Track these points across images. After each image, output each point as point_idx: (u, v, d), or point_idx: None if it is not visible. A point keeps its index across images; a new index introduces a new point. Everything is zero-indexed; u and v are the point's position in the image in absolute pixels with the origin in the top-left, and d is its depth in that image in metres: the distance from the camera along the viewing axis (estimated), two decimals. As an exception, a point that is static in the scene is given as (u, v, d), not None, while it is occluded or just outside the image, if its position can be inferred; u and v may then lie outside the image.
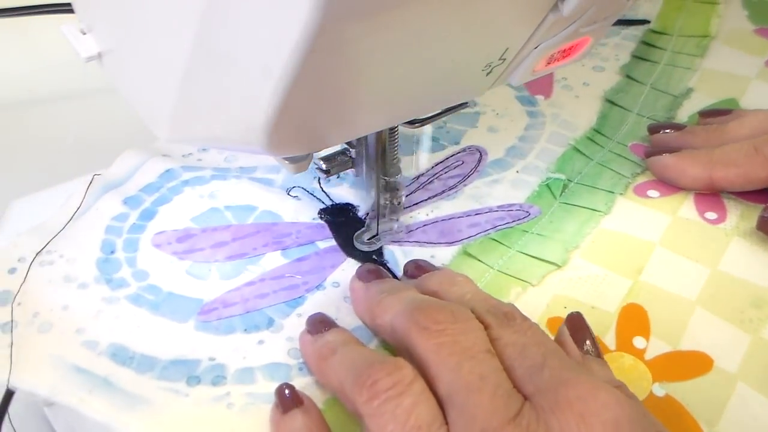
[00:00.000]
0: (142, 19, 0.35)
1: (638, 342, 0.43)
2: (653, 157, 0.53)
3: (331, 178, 0.52)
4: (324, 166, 0.46)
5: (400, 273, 0.47)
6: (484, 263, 0.47)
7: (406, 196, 0.51)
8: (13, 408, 0.46)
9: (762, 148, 0.48)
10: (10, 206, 0.51)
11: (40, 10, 0.56)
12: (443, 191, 0.52)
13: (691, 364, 0.43)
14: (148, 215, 0.50)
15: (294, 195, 0.51)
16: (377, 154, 0.46)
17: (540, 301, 0.45)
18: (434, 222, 0.50)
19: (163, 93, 0.37)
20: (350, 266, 0.47)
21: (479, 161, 0.54)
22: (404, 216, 0.50)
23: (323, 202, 0.51)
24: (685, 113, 0.59)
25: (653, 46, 0.65)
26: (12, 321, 0.43)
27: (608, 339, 0.43)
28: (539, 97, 0.60)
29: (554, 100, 0.60)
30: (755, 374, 0.42)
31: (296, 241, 0.48)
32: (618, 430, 0.33)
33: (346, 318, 0.44)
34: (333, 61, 0.30)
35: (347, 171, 0.48)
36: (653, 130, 0.55)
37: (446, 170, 0.53)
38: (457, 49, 0.35)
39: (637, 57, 0.64)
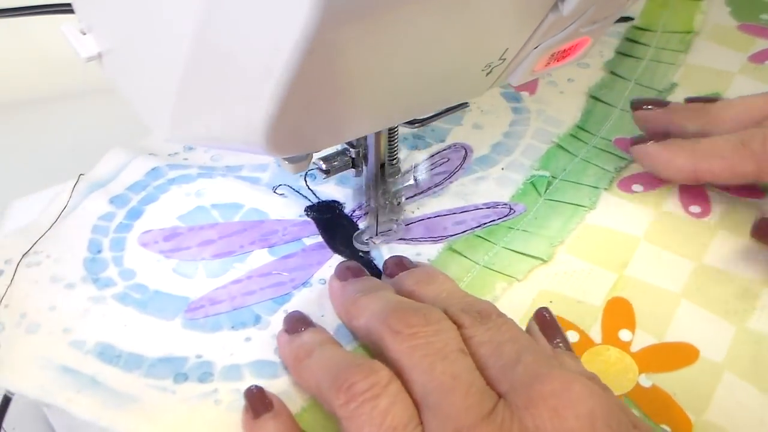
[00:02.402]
0: (142, 19, 0.35)
1: (624, 335, 0.44)
2: (638, 145, 0.52)
3: (317, 174, 0.52)
4: (324, 166, 0.46)
5: (386, 269, 0.47)
6: (469, 259, 0.48)
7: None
8: (13, 408, 0.46)
9: (749, 142, 0.47)
10: (10, 206, 0.51)
11: (40, 10, 0.56)
12: (429, 188, 0.52)
13: (677, 355, 0.43)
14: (135, 214, 0.50)
15: (280, 193, 0.52)
16: (377, 154, 0.46)
17: (526, 296, 0.46)
18: (420, 219, 0.50)
19: (163, 93, 0.37)
20: (336, 263, 0.47)
21: (464, 158, 0.55)
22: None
23: (309, 200, 0.51)
24: (669, 108, 0.59)
25: (637, 42, 0.66)
26: (7, 323, 0.43)
27: (594, 332, 0.44)
28: (524, 94, 0.61)
29: (539, 97, 0.60)
30: (741, 364, 0.42)
31: (282, 239, 0.49)
32: (593, 423, 0.33)
33: (332, 316, 0.45)
34: (333, 61, 0.30)
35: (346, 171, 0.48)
36: (636, 106, 0.54)
37: (432, 167, 0.54)
38: (456, 49, 0.35)
39: (621, 53, 0.65)
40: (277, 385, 0.41)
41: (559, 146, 0.55)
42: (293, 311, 0.44)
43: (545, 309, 0.41)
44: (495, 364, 0.37)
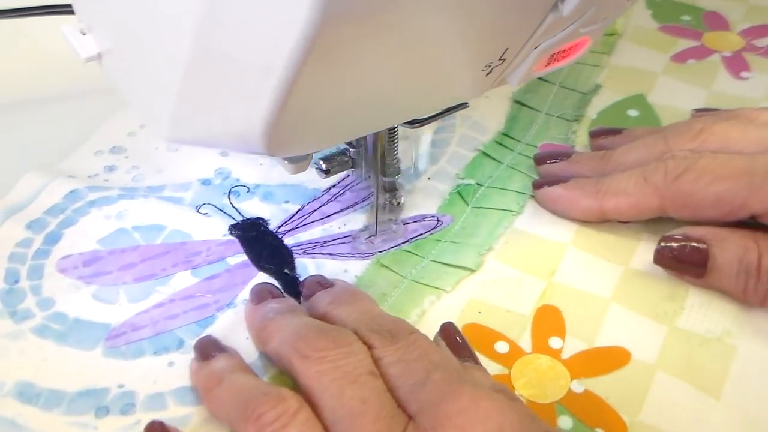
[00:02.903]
0: (142, 19, 0.35)
1: (554, 342, 0.43)
2: (542, 189, 0.51)
3: (241, 192, 0.52)
4: (324, 166, 0.46)
5: (312, 286, 0.46)
6: (397, 274, 0.47)
7: (318, 208, 0.51)
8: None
9: (651, 176, 0.47)
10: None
11: (40, 10, 0.56)
12: (356, 203, 0.51)
13: (608, 359, 0.43)
14: (53, 239, 0.49)
15: (204, 212, 0.50)
16: (377, 154, 0.46)
17: (455, 307, 0.45)
18: (346, 235, 0.49)
19: (162, 93, 0.36)
20: (261, 281, 0.46)
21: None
22: (316, 229, 0.50)
23: (233, 218, 0.50)
24: (593, 110, 0.59)
25: (561, 45, 0.66)
26: None
27: (524, 341, 0.43)
28: (450, 101, 0.60)
29: (464, 103, 0.60)
30: (674, 362, 0.42)
31: (206, 259, 0.48)
32: None
33: (256, 334, 0.44)
34: (333, 61, 0.30)
35: (344, 172, 0.48)
36: (539, 160, 0.54)
37: (357, 181, 0.53)
38: (456, 49, 0.35)
39: (545, 57, 0.65)
40: (202, 412, 0.40)
41: (485, 154, 0.55)
42: (203, 336, 0.43)
43: (450, 325, 0.42)
44: (405, 384, 0.37)
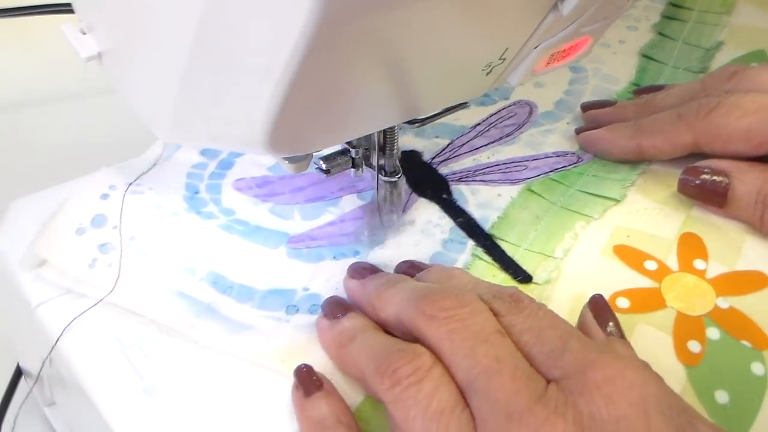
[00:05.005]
0: (142, 19, 0.35)
1: (698, 264, 0.47)
2: (583, 132, 0.55)
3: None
4: (324, 166, 0.46)
5: (469, 210, 0.50)
6: (547, 200, 0.51)
7: (467, 142, 0.55)
8: (12, 408, 0.47)
9: (685, 114, 0.50)
10: (10, 206, 0.49)
11: (40, 10, 0.57)
12: (501, 138, 0.55)
13: (749, 281, 0.46)
14: (226, 165, 0.53)
15: (360, 145, 0.54)
16: (377, 154, 0.47)
17: (603, 231, 0.49)
18: (496, 164, 0.53)
19: (162, 93, 0.37)
20: (422, 205, 0.50)
21: (530, 113, 0.58)
22: (467, 159, 0.53)
23: (390, 150, 0.54)
24: (717, 64, 0.62)
25: (681, 6, 0.69)
26: (117, 243, 0.46)
27: (671, 261, 0.47)
28: (579, 54, 0.63)
29: (593, 57, 0.63)
30: None
31: (371, 184, 0.51)
32: (646, 408, 0.33)
33: (426, 249, 0.47)
34: (333, 61, 0.31)
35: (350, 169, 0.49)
36: (585, 107, 0.57)
37: (501, 120, 0.57)
38: (456, 49, 0.35)
39: (666, 17, 0.68)
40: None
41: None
42: (330, 297, 0.44)
43: (599, 295, 0.41)
44: (541, 351, 0.36)
